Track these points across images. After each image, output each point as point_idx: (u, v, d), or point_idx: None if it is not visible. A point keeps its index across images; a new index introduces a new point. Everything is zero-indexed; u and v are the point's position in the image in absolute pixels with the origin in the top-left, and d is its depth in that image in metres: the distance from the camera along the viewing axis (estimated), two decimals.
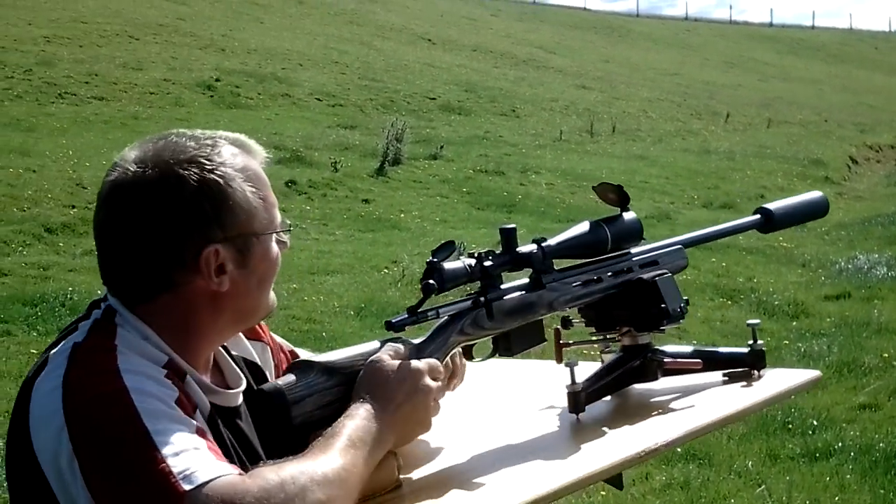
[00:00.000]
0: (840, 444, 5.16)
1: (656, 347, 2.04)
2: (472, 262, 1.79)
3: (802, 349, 7.17)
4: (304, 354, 1.95)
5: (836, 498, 4.48)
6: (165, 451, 1.39)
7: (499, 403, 2.13)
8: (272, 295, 1.73)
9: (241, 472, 1.43)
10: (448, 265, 1.75)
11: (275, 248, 1.67)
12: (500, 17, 46.05)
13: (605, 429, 1.86)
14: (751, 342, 2.06)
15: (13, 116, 14.49)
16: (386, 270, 9.16)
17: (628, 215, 2.02)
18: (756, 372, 2.04)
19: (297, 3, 34.48)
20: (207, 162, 1.61)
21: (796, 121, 28.28)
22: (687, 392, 1.99)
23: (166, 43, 22.56)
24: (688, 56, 44.49)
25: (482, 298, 1.82)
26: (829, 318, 8.34)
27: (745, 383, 2.02)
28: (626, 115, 25.15)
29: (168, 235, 1.58)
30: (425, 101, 21.81)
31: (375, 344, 1.79)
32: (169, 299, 1.62)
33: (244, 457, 1.65)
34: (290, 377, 1.70)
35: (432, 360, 1.73)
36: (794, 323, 8.12)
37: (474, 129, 19.63)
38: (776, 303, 8.87)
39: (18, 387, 1.57)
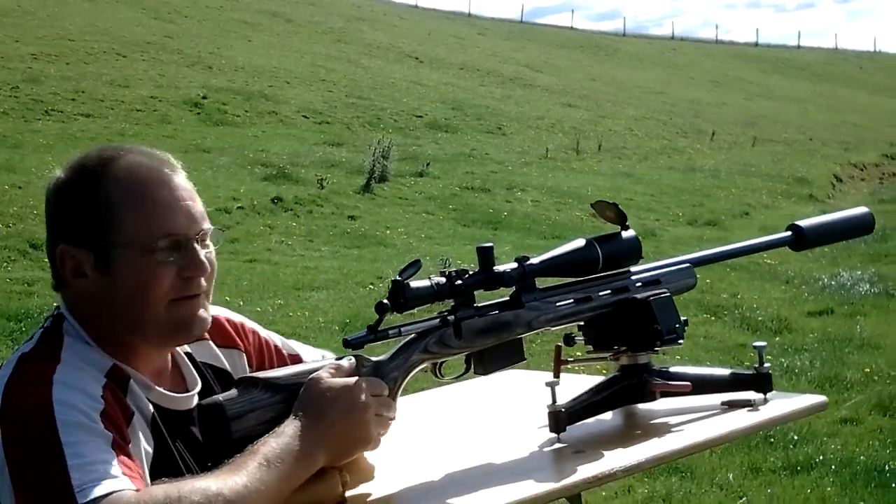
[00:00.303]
0: (821, 458, 5.20)
1: (656, 368, 2.00)
2: (442, 280, 1.78)
3: (785, 364, 7.21)
4: (307, 352, 2.00)
5: None
6: (71, 463, 1.47)
7: (493, 418, 2.14)
8: (187, 314, 1.73)
9: (138, 488, 1.48)
10: (414, 283, 1.74)
11: (145, 262, 1.67)
12: (487, 35, 46.22)
13: (581, 449, 1.84)
14: (756, 364, 2.03)
15: None
16: (371, 286, 9.18)
17: (627, 234, 2.01)
18: (762, 395, 2.01)
19: (284, 22, 34.58)
20: (87, 171, 1.71)
21: (781, 139, 28.44)
22: (686, 413, 1.97)
23: (153, 60, 22.60)
24: (674, 75, 44.69)
25: (451, 317, 1.81)
26: (811, 333, 8.39)
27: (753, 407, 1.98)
28: (611, 133, 25.26)
29: (46, 236, 1.75)
30: (412, 119, 21.89)
31: (326, 361, 1.80)
32: (69, 298, 1.73)
33: (193, 462, 1.70)
34: (233, 392, 1.69)
35: (373, 379, 1.72)
36: (778, 338, 8.15)
37: (461, 146, 19.70)
38: (759, 318, 8.92)
39: None
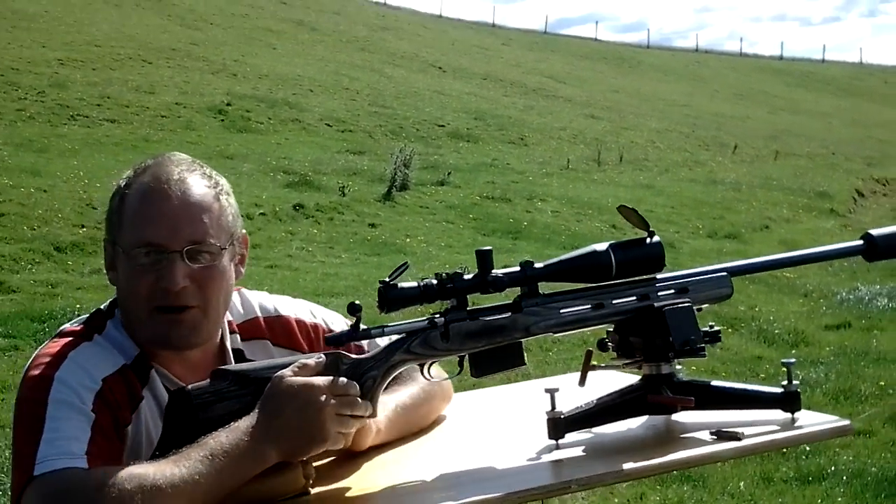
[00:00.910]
0: (833, 468, 5.23)
1: (684, 380, 1.96)
2: (433, 282, 1.80)
3: (801, 376, 7.23)
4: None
5: None
6: (46, 436, 1.67)
7: (504, 422, 2.16)
8: (162, 326, 1.84)
9: (91, 469, 1.63)
10: (402, 285, 1.79)
11: (128, 266, 1.85)
12: (510, 46, 46.29)
13: (575, 455, 1.86)
14: (785, 382, 1.97)
15: (25, 137, 14.66)
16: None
17: (651, 240, 1.95)
18: (789, 415, 1.95)
19: (309, 30, 34.76)
20: (128, 174, 1.92)
21: (804, 153, 28.33)
22: (704, 428, 1.91)
23: (178, 67, 22.77)
24: (697, 88, 44.63)
25: (439, 319, 1.84)
26: (828, 346, 8.40)
27: (777, 424, 1.92)
28: (633, 144, 25.25)
29: None
30: (434, 129, 21.95)
31: (306, 356, 1.85)
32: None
33: None
34: (205, 382, 1.77)
35: (341, 378, 1.75)
36: (794, 351, 8.17)
37: (482, 156, 19.75)
38: (776, 331, 8.93)
39: None
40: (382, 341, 1.93)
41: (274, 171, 14.87)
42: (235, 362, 1.96)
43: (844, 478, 5.09)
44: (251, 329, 2.03)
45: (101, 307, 1.94)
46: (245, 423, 1.68)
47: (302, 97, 22.21)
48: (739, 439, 1.85)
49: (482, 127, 23.42)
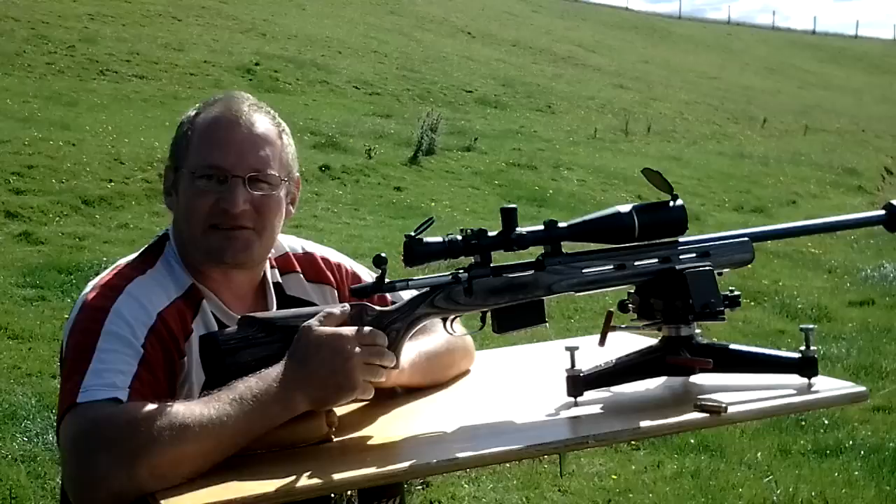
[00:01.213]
0: (851, 443, 5.24)
1: (703, 343, 1.96)
2: (457, 238, 1.82)
3: (822, 351, 7.20)
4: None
5: (843, 491, 4.56)
6: (93, 366, 1.72)
7: (526, 381, 2.16)
8: (216, 242, 1.92)
9: (129, 402, 1.68)
10: (427, 240, 1.79)
11: (191, 186, 1.93)
12: (541, 13, 46.00)
13: (593, 412, 1.87)
14: (803, 347, 1.98)
15: (55, 90, 14.72)
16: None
17: (674, 204, 1.96)
18: (806, 380, 1.96)
19: None
20: (197, 106, 2.02)
21: (833, 129, 28.13)
22: (721, 390, 1.91)
23: (208, 25, 22.79)
24: (728, 60, 44.28)
25: (463, 274, 1.85)
26: (851, 323, 8.39)
27: (793, 389, 1.93)
28: (662, 116, 25.12)
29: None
30: (462, 94, 21.90)
31: (332, 306, 1.87)
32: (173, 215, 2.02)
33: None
34: (233, 328, 1.81)
35: (368, 328, 1.77)
36: (817, 326, 8.12)
37: (509, 123, 19.71)
38: (799, 306, 8.92)
39: (52, 349, 1.95)
40: (406, 295, 1.95)
41: (301, 132, 14.88)
42: (275, 295, 2.06)
43: (862, 452, 5.10)
44: (286, 264, 2.12)
45: (150, 242, 2.01)
46: (275, 370, 1.72)
47: (330, 59, 22.18)
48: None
49: (510, 94, 23.35)
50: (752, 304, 8.99)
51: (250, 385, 1.69)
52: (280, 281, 2.08)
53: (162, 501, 1.54)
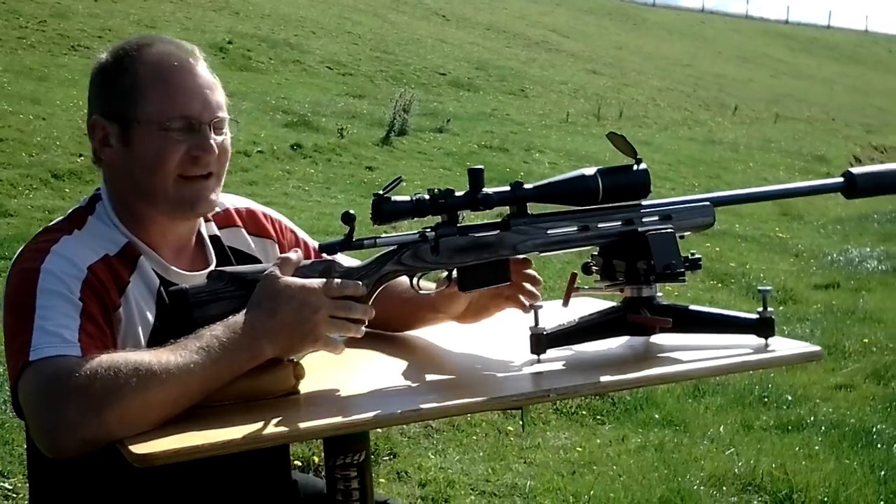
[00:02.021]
0: (812, 419, 5.31)
1: (661, 304, 2.00)
2: (425, 197, 1.86)
3: (787, 331, 7.29)
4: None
5: (803, 464, 4.63)
6: (37, 324, 1.70)
7: (493, 341, 2.16)
8: (192, 191, 1.93)
9: (85, 354, 1.67)
10: (395, 198, 1.84)
11: (160, 138, 1.89)
12: None
13: (555, 368, 1.91)
14: (760, 309, 2.02)
15: (26, 65, 14.60)
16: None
17: (638, 168, 2.00)
18: (763, 340, 2.01)
19: None
20: (124, 52, 1.95)
21: (804, 118, 28.34)
22: (680, 349, 1.98)
23: (181, 3, 22.65)
24: (701, 48, 44.44)
25: (430, 233, 1.89)
26: (815, 304, 8.49)
27: (750, 348, 1.97)
28: (634, 101, 25.21)
29: (88, 111, 1.97)
30: (435, 76, 21.89)
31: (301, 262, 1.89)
32: (106, 171, 1.97)
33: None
34: (202, 282, 1.83)
35: (336, 280, 1.79)
36: (782, 308, 8.25)
37: (482, 105, 19.72)
38: (770, 296, 9.00)
39: None
40: (341, 260, 2.01)
41: (273, 111, 14.85)
42: (213, 248, 2.07)
43: (823, 428, 5.18)
44: (225, 218, 2.13)
45: (81, 204, 1.98)
46: (240, 317, 1.74)
47: (304, 39, 22.11)
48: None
49: (483, 77, 23.36)
50: (720, 285, 9.07)
51: (216, 333, 1.71)
52: (217, 234, 2.09)
53: (130, 447, 1.56)
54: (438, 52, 25.13)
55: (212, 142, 1.92)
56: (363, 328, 1.83)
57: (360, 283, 1.84)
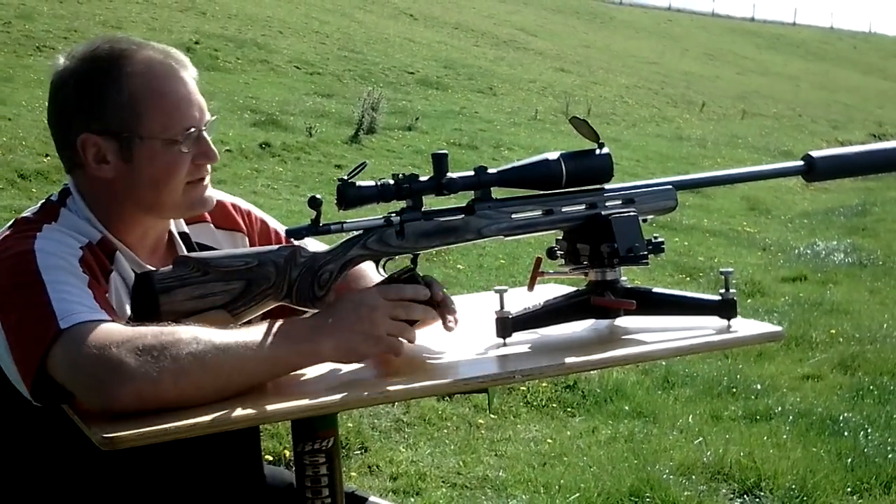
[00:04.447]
0: (780, 408, 5.35)
1: (625, 287, 2.02)
2: (389, 182, 1.87)
3: None
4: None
5: (771, 452, 4.67)
6: (54, 296, 1.64)
7: (462, 327, 2.13)
8: (199, 194, 1.93)
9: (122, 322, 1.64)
10: (360, 183, 1.84)
11: (168, 153, 1.86)
12: None
13: (521, 351, 1.93)
14: (722, 290, 2.05)
15: None
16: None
17: (601, 152, 2.02)
18: (725, 321, 2.03)
19: None
20: (105, 62, 1.86)
21: (770, 114, 28.53)
22: (644, 331, 2.00)
23: (147, 3, 22.50)
24: (668, 46, 44.62)
25: (395, 217, 1.90)
26: (783, 297, 8.55)
27: (713, 329, 2.00)
28: (602, 99, 25.29)
29: (59, 120, 1.90)
30: (403, 75, 21.86)
31: (265, 247, 1.93)
32: (82, 179, 1.90)
33: None
34: (168, 268, 1.81)
35: (395, 284, 1.84)
36: (749, 301, 8.30)
37: (451, 104, 19.72)
38: (733, 281, 9.05)
39: None
40: (313, 244, 2.05)
41: (241, 110, 14.79)
42: (184, 244, 2.05)
43: (791, 417, 5.22)
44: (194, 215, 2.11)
45: (51, 198, 1.93)
46: (303, 318, 1.78)
47: (271, 39, 22.03)
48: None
49: (452, 76, 23.35)
50: (688, 279, 9.12)
51: (278, 323, 1.72)
52: (186, 230, 2.07)
53: (95, 429, 1.54)
54: (407, 51, 25.11)
55: (213, 147, 1.93)
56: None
57: (423, 286, 1.86)
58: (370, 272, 2.05)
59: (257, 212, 2.21)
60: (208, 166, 1.94)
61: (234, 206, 2.16)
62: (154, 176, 1.86)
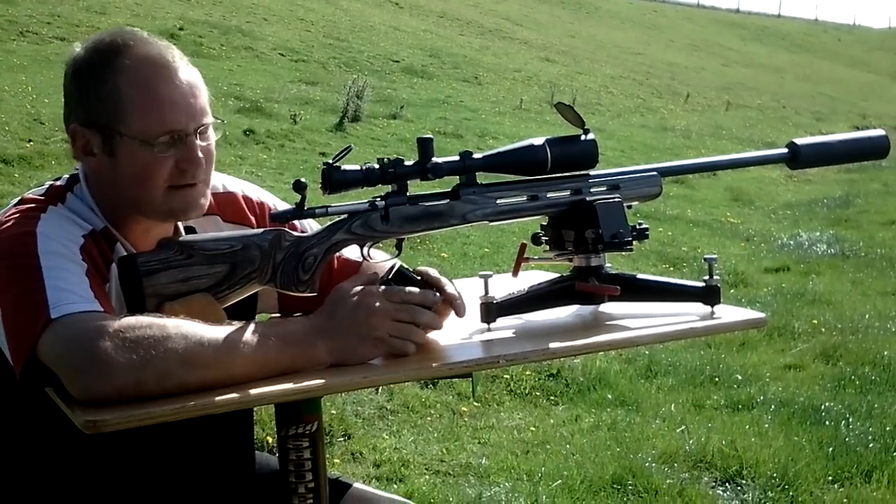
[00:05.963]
0: (762, 398, 5.38)
1: (610, 273, 2.03)
2: (374, 166, 1.86)
3: None
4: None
5: (753, 440, 4.70)
6: (49, 283, 1.63)
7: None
8: (181, 201, 1.88)
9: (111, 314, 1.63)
10: (345, 167, 1.85)
11: (144, 154, 1.82)
12: None
13: (505, 336, 1.94)
14: (706, 277, 2.07)
15: None
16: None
17: (585, 138, 2.03)
18: (709, 308, 2.05)
19: None
20: (101, 56, 1.85)
21: (755, 105, 28.56)
22: (628, 317, 2.01)
23: None
24: (653, 37, 44.63)
25: (380, 202, 1.89)
26: (766, 287, 8.59)
27: (697, 315, 2.01)
28: (587, 89, 25.27)
29: (64, 108, 1.90)
30: (388, 63, 21.80)
31: (250, 231, 1.92)
32: (84, 168, 1.90)
33: None
34: (151, 251, 1.80)
35: (399, 287, 1.83)
36: (732, 291, 8.32)
37: (436, 92, 19.68)
38: (717, 272, 9.08)
39: None
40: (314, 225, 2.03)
41: (225, 97, 14.72)
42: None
43: (773, 406, 5.24)
44: None
45: (58, 182, 1.92)
46: (301, 318, 1.78)
47: (256, 26, 21.94)
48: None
49: (437, 65, 23.31)
50: (672, 269, 9.14)
51: (273, 324, 1.73)
52: (192, 224, 2.03)
53: (77, 410, 1.55)
54: (392, 39, 25.04)
55: (199, 153, 1.87)
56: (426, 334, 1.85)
57: (431, 291, 1.86)
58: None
59: (272, 202, 2.17)
60: (197, 172, 1.88)
61: (245, 197, 2.12)
62: (133, 175, 1.84)
